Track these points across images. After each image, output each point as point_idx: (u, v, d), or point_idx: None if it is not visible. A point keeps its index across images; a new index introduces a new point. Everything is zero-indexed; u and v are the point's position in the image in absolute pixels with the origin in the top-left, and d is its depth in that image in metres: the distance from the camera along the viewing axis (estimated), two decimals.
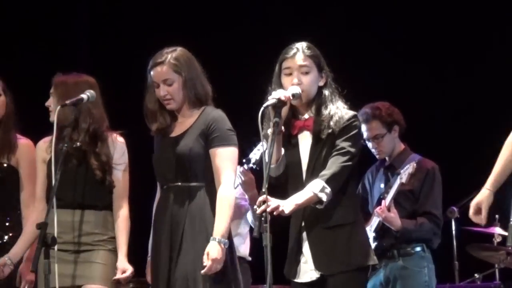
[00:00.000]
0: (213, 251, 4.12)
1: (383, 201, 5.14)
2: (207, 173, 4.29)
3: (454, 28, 7.29)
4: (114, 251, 4.55)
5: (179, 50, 4.38)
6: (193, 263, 4.19)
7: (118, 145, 4.61)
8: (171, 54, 4.34)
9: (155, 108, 4.40)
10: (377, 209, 5.12)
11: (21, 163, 4.88)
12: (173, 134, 4.39)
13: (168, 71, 4.32)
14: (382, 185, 5.36)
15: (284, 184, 4.27)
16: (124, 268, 4.50)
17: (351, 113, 4.19)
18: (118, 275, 4.49)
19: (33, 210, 4.66)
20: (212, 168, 4.28)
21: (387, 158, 5.44)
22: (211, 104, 4.40)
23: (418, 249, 5.22)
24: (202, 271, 4.12)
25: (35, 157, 4.75)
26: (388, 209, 5.08)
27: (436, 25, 7.34)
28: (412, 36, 7.35)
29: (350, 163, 4.10)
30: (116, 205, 4.57)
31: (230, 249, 4.25)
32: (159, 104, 4.39)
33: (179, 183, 4.30)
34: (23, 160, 4.87)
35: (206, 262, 4.11)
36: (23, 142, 4.92)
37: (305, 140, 4.23)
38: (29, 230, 4.63)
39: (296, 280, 4.21)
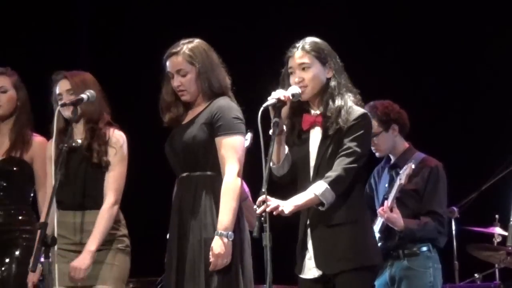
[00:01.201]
0: (216, 247, 4.11)
1: (385, 201, 5.13)
2: (214, 162, 4.26)
3: (458, 25, 7.28)
4: (124, 250, 4.53)
5: (195, 41, 4.37)
6: (199, 254, 4.18)
7: (114, 138, 4.58)
8: (187, 45, 4.33)
9: (171, 99, 4.39)
10: (379, 209, 5.11)
11: (36, 161, 4.86)
12: (183, 123, 4.38)
13: (182, 61, 4.31)
14: (386, 185, 5.34)
15: (290, 183, 4.24)
16: (77, 266, 4.37)
17: (360, 111, 4.11)
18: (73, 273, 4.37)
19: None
20: (219, 157, 4.25)
21: (392, 157, 5.43)
22: (231, 96, 4.37)
23: (424, 249, 5.20)
24: (210, 268, 4.11)
25: (45, 154, 4.73)
26: (391, 210, 5.06)
27: (439, 23, 7.34)
28: (416, 34, 7.34)
29: (356, 164, 4.04)
30: (104, 197, 4.51)
31: (239, 240, 4.21)
32: (175, 95, 4.38)
33: (187, 173, 4.29)
34: (38, 158, 4.85)
35: (211, 258, 4.11)
36: (38, 139, 4.91)
37: (315, 136, 4.18)
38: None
39: (301, 276, 4.18)
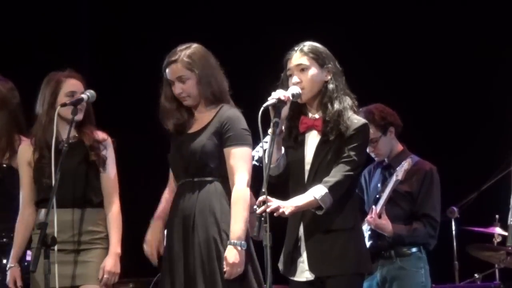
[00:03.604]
0: (230, 256, 4.15)
1: (373, 207, 5.13)
2: (221, 170, 4.30)
3: (455, 27, 7.29)
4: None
5: (193, 47, 4.39)
6: (207, 253, 4.20)
7: (101, 135, 4.60)
8: (185, 52, 4.35)
9: (172, 105, 4.41)
10: (368, 217, 5.11)
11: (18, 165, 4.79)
12: (191, 131, 4.40)
13: (181, 68, 4.33)
14: (379, 185, 5.35)
15: (285, 182, 4.25)
16: (114, 271, 4.46)
17: (361, 121, 4.15)
18: (101, 275, 4.43)
19: (19, 216, 4.60)
20: (226, 167, 4.28)
21: (385, 159, 5.44)
22: (229, 101, 4.40)
23: (414, 250, 5.21)
24: (225, 277, 4.15)
25: None
26: (379, 216, 5.08)
27: (435, 24, 7.34)
28: (411, 35, 7.35)
29: (353, 173, 4.08)
30: (106, 202, 4.55)
31: (248, 250, 4.24)
32: (176, 101, 4.40)
33: (192, 179, 4.32)
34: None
35: (225, 268, 4.15)
36: (23, 143, 4.82)
37: (312, 140, 4.19)
38: (17, 233, 4.60)
39: (293, 279, 4.19)
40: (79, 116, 4.53)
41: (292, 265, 4.19)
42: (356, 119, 4.15)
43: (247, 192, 4.24)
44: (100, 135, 4.60)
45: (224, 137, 4.29)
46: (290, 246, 4.19)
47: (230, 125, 4.29)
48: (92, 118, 4.64)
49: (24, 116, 4.94)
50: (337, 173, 4.06)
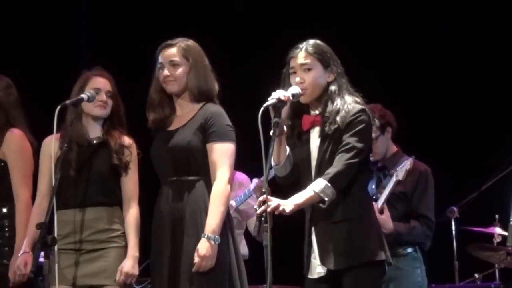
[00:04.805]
0: (202, 248, 4.15)
1: (374, 203, 5.12)
2: (206, 167, 4.29)
3: (452, 28, 7.30)
4: (126, 247, 4.53)
5: (191, 41, 4.43)
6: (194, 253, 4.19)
7: (128, 140, 4.60)
8: (184, 41, 4.39)
9: (157, 98, 4.41)
10: None
11: (6, 154, 4.81)
12: (171, 128, 4.39)
13: (176, 53, 4.36)
14: (374, 186, 5.35)
15: (293, 184, 4.22)
16: (133, 273, 4.47)
17: (358, 107, 4.09)
18: (118, 277, 4.44)
19: (35, 206, 4.58)
20: (209, 163, 4.28)
21: (379, 160, 5.43)
22: (215, 102, 4.39)
23: (410, 250, 5.22)
24: (193, 269, 4.15)
25: (21, 147, 4.76)
26: (381, 211, 5.07)
27: (432, 26, 7.35)
28: (408, 36, 7.35)
29: (355, 160, 4.01)
30: (126, 205, 4.55)
31: (226, 246, 4.24)
32: (161, 94, 4.41)
33: (178, 177, 4.31)
34: (7, 151, 4.80)
35: (195, 259, 4.15)
36: (8, 132, 4.83)
37: (316, 136, 4.17)
38: (24, 224, 4.60)
39: (308, 276, 4.16)
40: (105, 113, 4.55)
41: (307, 262, 4.16)
42: (354, 107, 4.09)
43: (227, 188, 4.25)
44: (126, 140, 4.59)
45: (207, 133, 4.28)
46: (306, 242, 4.17)
47: (214, 121, 4.29)
48: (120, 118, 4.63)
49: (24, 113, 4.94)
50: (337, 163, 4.01)
